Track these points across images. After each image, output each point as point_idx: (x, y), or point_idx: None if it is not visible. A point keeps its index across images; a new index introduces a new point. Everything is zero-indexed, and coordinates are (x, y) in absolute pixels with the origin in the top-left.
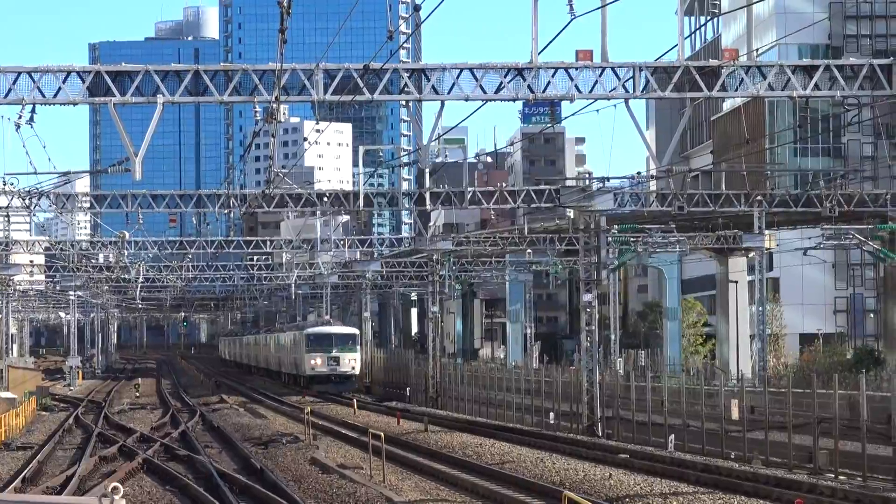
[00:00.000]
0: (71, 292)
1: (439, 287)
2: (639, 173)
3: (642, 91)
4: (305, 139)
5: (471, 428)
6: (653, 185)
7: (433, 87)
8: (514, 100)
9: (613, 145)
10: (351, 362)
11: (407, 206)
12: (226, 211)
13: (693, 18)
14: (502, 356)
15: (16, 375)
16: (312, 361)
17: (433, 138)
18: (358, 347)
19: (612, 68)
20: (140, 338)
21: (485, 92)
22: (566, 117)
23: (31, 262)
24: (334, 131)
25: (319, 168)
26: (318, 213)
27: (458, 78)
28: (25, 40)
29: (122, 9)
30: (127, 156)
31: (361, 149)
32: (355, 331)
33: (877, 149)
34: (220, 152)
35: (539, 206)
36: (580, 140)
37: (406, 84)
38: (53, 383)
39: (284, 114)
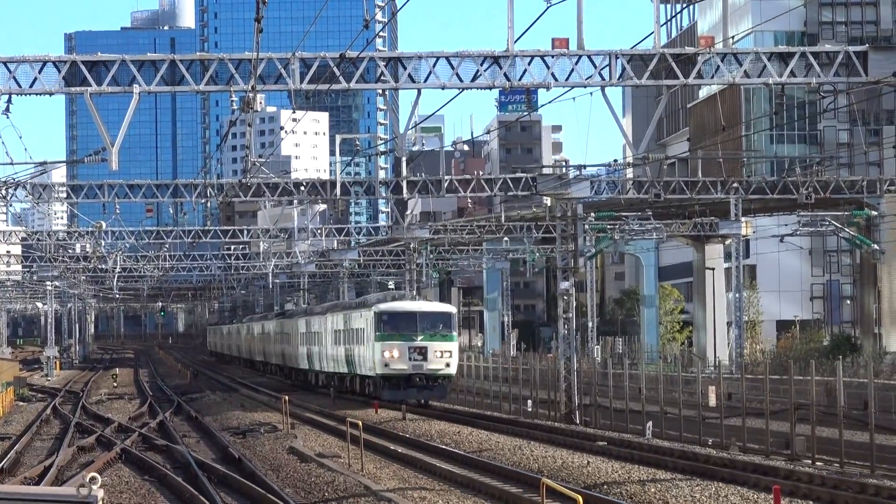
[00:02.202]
0: (48, 282)
1: (416, 275)
2: (615, 161)
3: (618, 79)
4: (282, 128)
5: (448, 416)
6: (629, 173)
7: (409, 75)
8: (490, 88)
9: (590, 133)
10: (445, 357)
11: (384, 194)
12: (203, 200)
13: (669, 6)
14: (480, 344)
15: None
16: (386, 354)
17: (410, 127)
18: (455, 334)
19: (588, 56)
20: (117, 328)
21: (461, 80)
22: (542, 105)
23: (8, 252)
24: (311, 120)
25: (296, 157)
26: (295, 202)
27: (434, 66)
28: (0, 30)
29: None
30: (103, 146)
31: (338, 137)
32: (451, 308)
33: (853, 135)
34: (196, 142)
35: (516, 193)
36: (557, 128)
37: (382, 73)
38: (31, 374)
39: (261, 103)
